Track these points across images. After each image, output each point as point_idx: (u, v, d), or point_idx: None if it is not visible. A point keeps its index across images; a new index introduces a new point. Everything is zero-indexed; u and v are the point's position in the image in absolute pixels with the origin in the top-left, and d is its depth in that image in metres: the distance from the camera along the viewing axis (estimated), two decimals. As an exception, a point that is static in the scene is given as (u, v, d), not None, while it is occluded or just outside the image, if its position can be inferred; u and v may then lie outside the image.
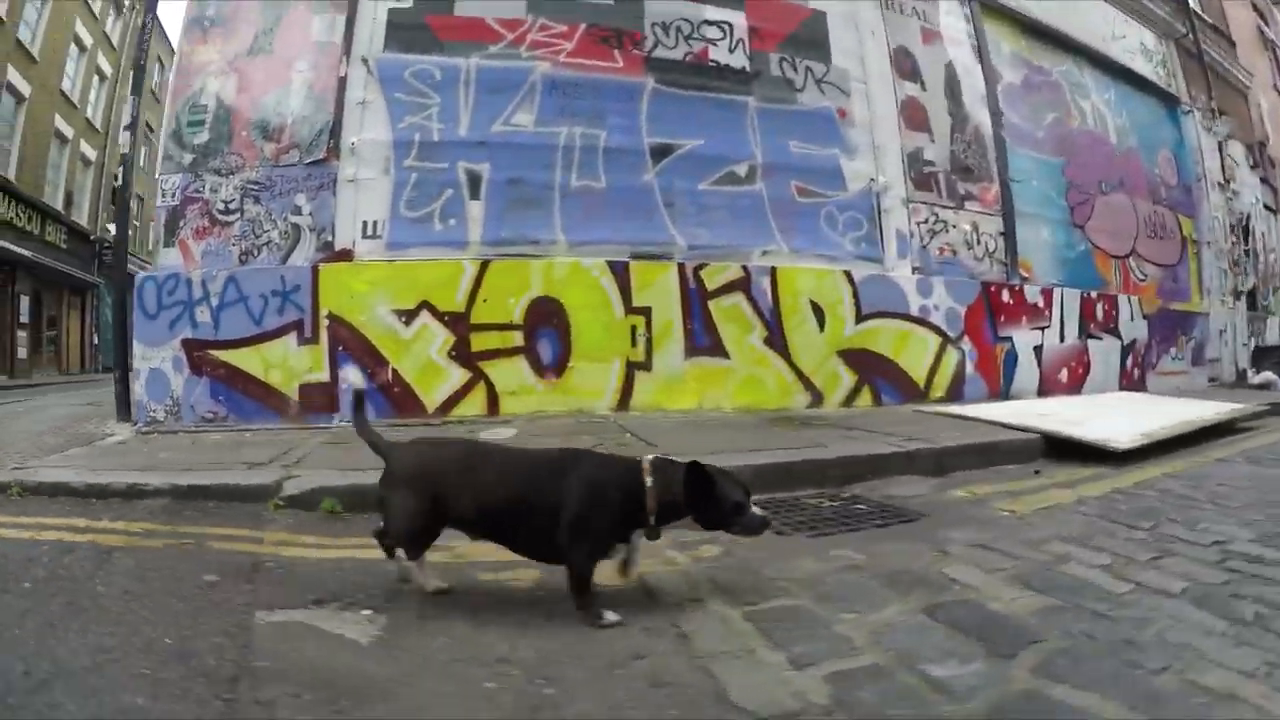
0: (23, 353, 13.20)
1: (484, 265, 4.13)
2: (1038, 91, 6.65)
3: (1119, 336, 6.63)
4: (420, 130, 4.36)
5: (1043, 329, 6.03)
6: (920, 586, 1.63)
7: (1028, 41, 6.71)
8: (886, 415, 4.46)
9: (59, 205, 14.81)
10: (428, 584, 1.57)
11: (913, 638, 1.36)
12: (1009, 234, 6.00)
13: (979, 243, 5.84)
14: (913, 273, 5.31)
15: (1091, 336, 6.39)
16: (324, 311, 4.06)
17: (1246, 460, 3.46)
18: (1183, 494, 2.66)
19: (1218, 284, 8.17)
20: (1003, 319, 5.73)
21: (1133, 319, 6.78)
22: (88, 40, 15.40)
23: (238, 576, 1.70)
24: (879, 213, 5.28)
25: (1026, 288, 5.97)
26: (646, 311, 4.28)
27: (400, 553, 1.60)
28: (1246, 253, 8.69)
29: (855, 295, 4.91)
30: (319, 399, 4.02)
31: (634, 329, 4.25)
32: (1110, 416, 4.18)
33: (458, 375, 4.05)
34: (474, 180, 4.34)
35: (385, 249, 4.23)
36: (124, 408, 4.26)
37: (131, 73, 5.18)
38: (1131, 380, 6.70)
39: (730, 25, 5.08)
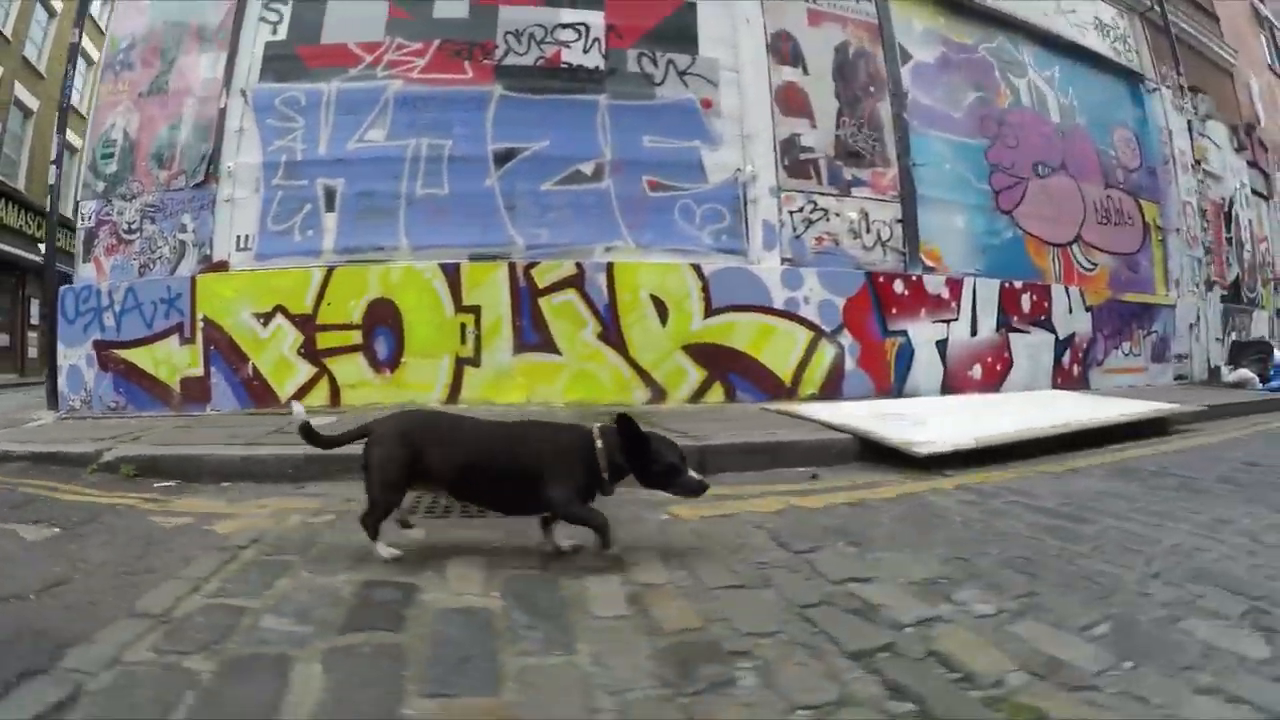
0: (33, 352, 16.00)
1: (329, 272, 5.29)
2: (957, 70, 7.05)
3: (1052, 330, 6.92)
4: (287, 152, 5.59)
5: (948, 322, 6.48)
6: (354, 561, 1.97)
7: (947, 18, 7.11)
8: (721, 412, 5.16)
9: (69, 212, 17.61)
10: (384, 553, 1.97)
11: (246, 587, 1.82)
12: (909, 221, 6.50)
13: (869, 231, 6.40)
14: (782, 264, 5.97)
15: (1014, 330, 6.74)
16: (200, 315, 5.37)
17: (1112, 473, 3.36)
18: (937, 513, 2.59)
19: (1188, 274, 8.17)
20: (894, 311, 6.24)
21: (1071, 311, 7.03)
22: (94, 54, 18.15)
23: (8, 506, 2.87)
24: (744, 203, 5.99)
25: (928, 277, 6.44)
26: (476, 310, 5.29)
27: (382, 529, 1.99)
28: (1229, 241, 8.51)
29: (705, 289, 5.66)
30: (195, 391, 5.33)
31: (464, 327, 5.27)
32: (980, 418, 4.44)
33: (305, 370, 5.24)
34: (330, 195, 5.52)
35: (255, 259, 5.49)
36: (52, 398, 5.78)
37: (57, 114, 6.75)
38: (1070, 378, 6.97)
39: (586, 26, 5.97)
